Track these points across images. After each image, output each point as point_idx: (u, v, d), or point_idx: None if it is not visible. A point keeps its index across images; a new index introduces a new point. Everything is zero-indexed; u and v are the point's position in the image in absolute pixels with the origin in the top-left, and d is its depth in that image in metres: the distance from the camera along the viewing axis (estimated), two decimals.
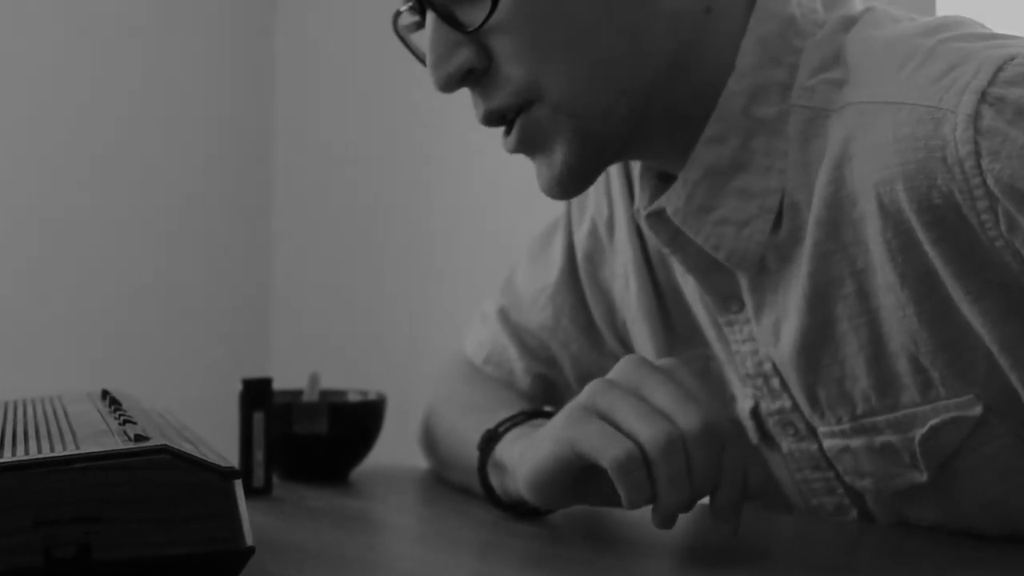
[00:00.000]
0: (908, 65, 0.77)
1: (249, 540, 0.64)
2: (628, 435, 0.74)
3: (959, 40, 0.78)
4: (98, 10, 2.55)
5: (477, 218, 2.40)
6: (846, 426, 0.85)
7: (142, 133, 2.61)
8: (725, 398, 0.92)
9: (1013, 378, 0.78)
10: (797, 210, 0.82)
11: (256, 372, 1.11)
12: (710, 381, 0.92)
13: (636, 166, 0.93)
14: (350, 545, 0.86)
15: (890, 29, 0.82)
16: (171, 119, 2.65)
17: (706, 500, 0.76)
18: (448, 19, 0.81)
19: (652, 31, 0.81)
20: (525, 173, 0.86)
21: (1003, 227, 0.73)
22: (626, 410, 0.75)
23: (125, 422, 0.72)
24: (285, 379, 1.14)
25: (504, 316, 1.07)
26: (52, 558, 0.60)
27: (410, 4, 0.85)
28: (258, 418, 0.99)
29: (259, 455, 0.99)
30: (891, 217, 0.77)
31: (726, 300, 0.88)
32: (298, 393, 1.09)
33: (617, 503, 0.75)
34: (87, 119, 2.54)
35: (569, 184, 0.84)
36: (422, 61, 0.85)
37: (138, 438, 0.65)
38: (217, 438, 0.83)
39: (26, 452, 0.65)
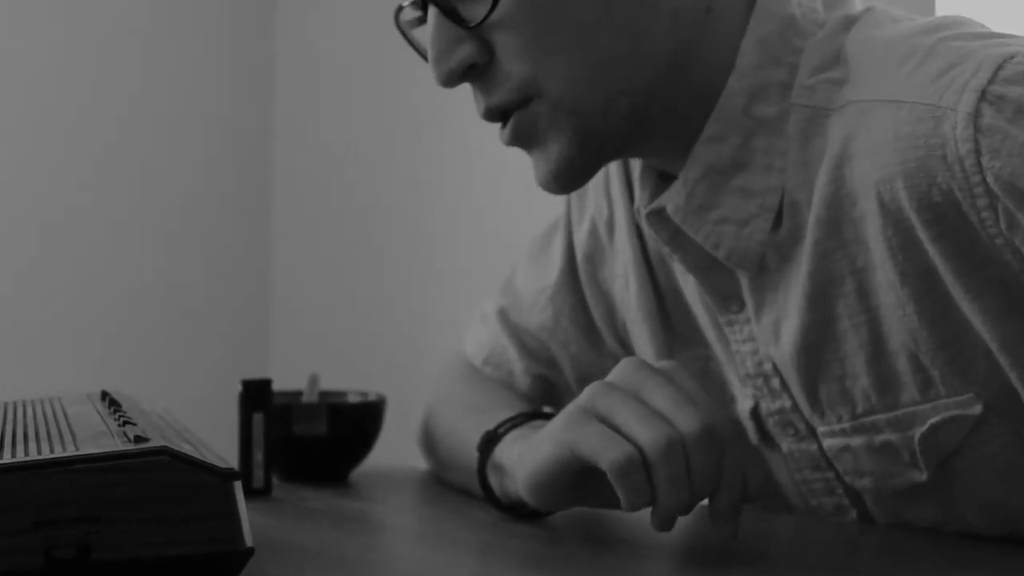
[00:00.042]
0: (908, 64, 0.77)
1: (249, 541, 0.64)
2: (627, 438, 0.74)
3: (959, 39, 0.78)
4: (98, 10, 2.55)
5: (477, 218, 2.40)
6: (846, 425, 0.85)
7: (142, 133, 2.62)
8: (725, 399, 0.92)
9: (1013, 377, 0.78)
10: (797, 209, 0.82)
11: (256, 373, 1.11)
12: (710, 382, 0.92)
13: (636, 166, 0.93)
14: (350, 546, 0.86)
15: (890, 29, 0.82)
16: (171, 119, 2.65)
17: (705, 502, 0.76)
18: (450, 14, 0.81)
19: (652, 31, 0.81)
20: (525, 173, 0.86)
21: (1003, 225, 0.73)
22: (626, 413, 0.75)
23: (125, 423, 0.72)
24: (285, 380, 1.14)
25: (504, 317, 1.07)
26: (52, 558, 0.60)
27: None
28: (258, 419, 0.99)
29: (259, 456, 0.99)
30: (891, 215, 0.77)
31: (726, 300, 0.88)
32: (298, 394, 1.09)
33: (616, 505, 0.75)
34: (87, 119, 2.54)
35: (566, 179, 0.84)
36: (424, 56, 0.85)
37: (138, 439, 0.65)
38: (217, 439, 0.83)
39: (26, 453, 0.65)
